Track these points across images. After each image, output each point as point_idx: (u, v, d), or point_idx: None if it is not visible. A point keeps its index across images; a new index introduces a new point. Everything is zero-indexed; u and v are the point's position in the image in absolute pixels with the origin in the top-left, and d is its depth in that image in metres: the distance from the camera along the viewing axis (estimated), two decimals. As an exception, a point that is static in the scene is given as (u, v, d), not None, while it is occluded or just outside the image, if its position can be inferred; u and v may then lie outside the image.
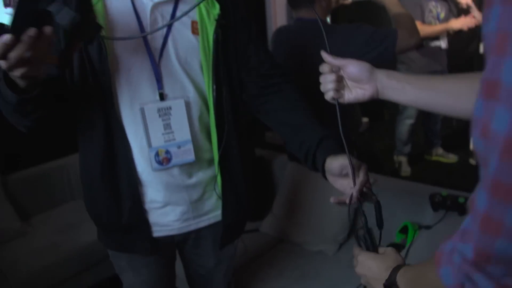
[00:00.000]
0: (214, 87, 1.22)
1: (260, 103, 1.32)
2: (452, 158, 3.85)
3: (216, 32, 1.20)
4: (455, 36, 3.36)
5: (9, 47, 0.83)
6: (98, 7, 1.13)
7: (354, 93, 0.97)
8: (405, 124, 3.62)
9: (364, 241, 0.96)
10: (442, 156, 3.87)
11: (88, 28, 0.97)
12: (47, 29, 0.84)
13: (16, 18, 0.82)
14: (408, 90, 0.90)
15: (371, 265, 0.89)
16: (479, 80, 0.49)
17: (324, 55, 0.96)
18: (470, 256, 0.51)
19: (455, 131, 4.20)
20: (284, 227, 2.28)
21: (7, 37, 0.82)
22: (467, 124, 0.55)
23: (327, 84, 0.97)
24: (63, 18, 0.88)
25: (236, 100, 1.31)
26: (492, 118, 0.46)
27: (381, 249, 0.93)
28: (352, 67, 0.95)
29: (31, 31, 0.83)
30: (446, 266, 0.57)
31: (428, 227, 1.82)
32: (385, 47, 1.74)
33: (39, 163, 2.96)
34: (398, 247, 2.00)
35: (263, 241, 2.29)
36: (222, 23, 1.21)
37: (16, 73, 0.89)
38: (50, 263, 2.41)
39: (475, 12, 3.12)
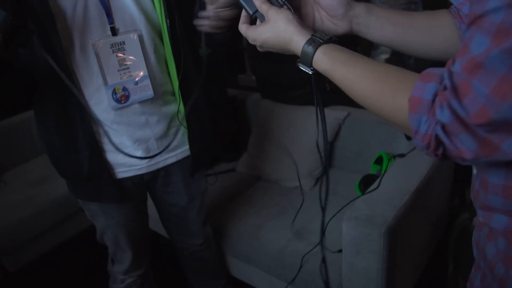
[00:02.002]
0: (166, 13, 1.17)
1: None
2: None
3: None
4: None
5: None
6: None
7: (326, 26, 0.86)
8: (380, 59, 3.57)
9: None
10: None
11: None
12: None
13: None
14: (386, 28, 0.81)
15: (269, 38, 0.78)
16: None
17: None
18: (468, 117, 0.49)
19: (428, 64, 4.18)
20: (261, 166, 2.28)
21: None
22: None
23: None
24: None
25: (189, 27, 1.26)
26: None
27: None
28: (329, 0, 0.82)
29: None
30: (422, 115, 0.55)
31: (402, 155, 1.83)
32: None
33: (3, 118, 2.87)
34: (373, 178, 2.03)
35: (240, 180, 2.29)
36: None
37: None
38: (26, 216, 2.39)
39: None
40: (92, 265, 2.15)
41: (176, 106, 1.32)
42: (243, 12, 0.84)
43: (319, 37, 0.73)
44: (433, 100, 0.54)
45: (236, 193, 2.18)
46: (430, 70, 0.57)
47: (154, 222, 1.76)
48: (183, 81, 1.26)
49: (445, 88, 0.52)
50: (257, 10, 0.80)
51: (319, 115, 0.84)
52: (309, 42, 0.73)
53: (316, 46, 0.72)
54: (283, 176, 2.17)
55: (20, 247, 2.39)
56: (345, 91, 0.71)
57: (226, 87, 2.53)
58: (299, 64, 0.76)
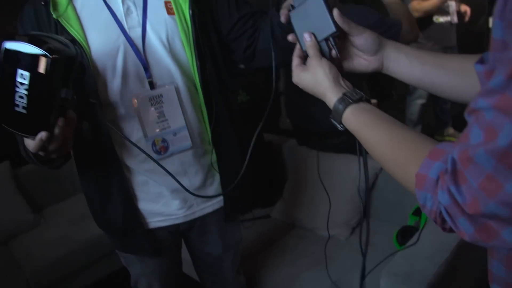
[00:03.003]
0: (198, 63, 1.21)
1: (251, 51, 1.28)
2: (463, 137, 3.79)
3: (191, 7, 1.19)
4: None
5: (46, 141, 0.89)
6: (68, 13, 1.12)
7: (356, 63, 0.88)
8: (416, 105, 3.57)
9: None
10: (453, 136, 3.82)
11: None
12: (71, 114, 0.92)
13: (45, 114, 0.88)
14: (415, 66, 0.83)
15: (309, 85, 0.83)
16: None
17: (336, 13, 0.81)
18: (464, 204, 0.50)
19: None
20: (296, 213, 2.27)
21: (42, 134, 0.88)
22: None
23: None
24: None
25: (221, 73, 1.29)
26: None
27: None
28: (363, 38, 0.84)
29: (61, 122, 0.90)
30: (427, 193, 0.56)
31: (442, 209, 1.79)
32: (390, 35, 1.74)
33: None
34: (411, 230, 1.98)
35: (275, 227, 2.28)
36: None
37: (52, 156, 0.96)
38: (63, 254, 2.44)
39: None
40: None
41: (214, 155, 1.34)
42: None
43: (350, 96, 0.76)
44: (438, 179, 0.54)
45: (271, 241, 2.16)
46: (441, 146, 0.57)
47: (186, 264, 1.76)
48: (216, 129, 1.28)
49: (446, 171, 0.53)
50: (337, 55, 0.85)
51: (361, 163, 0.90)
52: (340, 100, 0.77)
53: (346, 106, 0.75)
54: (319, 224, 2.15)
55: (55, 285, 2.43)
56: (369, 152, 0.74)
57: (262, 132, 2.56)
58: (332, 119, 0.79)
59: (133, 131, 1.22)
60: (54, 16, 1.10)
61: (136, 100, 1.19)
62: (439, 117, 3.83)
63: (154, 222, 1.33)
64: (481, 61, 0.56)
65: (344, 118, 0.76)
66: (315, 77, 0.81)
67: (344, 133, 0.92)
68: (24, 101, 0.85)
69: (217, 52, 1.27)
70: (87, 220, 2.57)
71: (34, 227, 2.71)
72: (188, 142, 1.26)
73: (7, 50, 0.84)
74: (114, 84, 1.17)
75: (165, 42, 1.19)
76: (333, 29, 0.81)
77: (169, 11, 1.20)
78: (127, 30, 1.17)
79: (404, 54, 0.84)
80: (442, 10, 3.25)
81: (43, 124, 0.89)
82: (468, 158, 0.48)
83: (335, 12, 0.81)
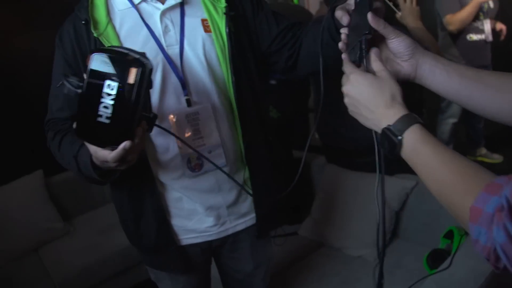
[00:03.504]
0: (233, 79, 1.21)
1: (293, 61, 1.27)
2: (497, 158, 3.70)
3: (227, 25, 1.20)
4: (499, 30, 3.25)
5: (129, 151, 0.92)
6: (108, 31, 1.15)
7: (389, 67, 0.85)
8: (448, 124, 3.49)
9: (360, 51, 0.83)
10: (486, 156, 3.73)
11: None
12: (144, 124, 0.94)
13: (129, 123, 0.91)
14: (453, 78, 0.79)
15: (364, 91, 0.78)
16: None
17: (370, 15, 0.81)
18: None
19: (499, 129, 4.02)
20: (323, 231, 2.24)
21: (126, 143, 0.91)
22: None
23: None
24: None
25: (256, 90, 1.29)
26: None
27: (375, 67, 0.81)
28: (397, 41, 0.82)
29: (140, 131, 0.93)
30: (482, 227, 0.53)
31: (475, 233, 1.74)
32: None
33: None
34: (442, 254, 1.93)
35: (302, 245, 2.26)
36: (231, 15, 1.21)
37: (123, 167, 0.98)
38: (91, 263, 2.47)
39: None
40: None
41: (247, 172, 1.34)
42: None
43: (415, 117, 0.74)
44: (494, 215, 0.52)
45: (298, 258, 2.14)
46: (499, 180, 0.55)
47: (214, 281, 1.76)
48: (250, 147, 1.29)
49: (503, 207, 0.50)
50: (363, 56, 0.83)
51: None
52: (409, 115, 0.73)
53: (414, 122, 0.72)
54: (347, 244, 2.12)
55: (82, 295, 2.46)
56: (420, 176, 0.70)
57: (292, 149, 2.55)
58: (385, 130, 0.75)
59: (169, 148, 1.23)
60: (95, 34, 1.13)
61: (173, 117, 1.20)
62: (472, 137, 3.75)
63: (187, 239, 1.33)
64: None
65: (410, 131, 0.72)
66: (385, 83, 0.77)
67: (374, 151, 0.90)
68: (109, 111, 0.88)
69: (252, 69, 1.28)
70: (115, 230, 2.62)
71: (63, 236, 2.76)
72: (223, 160, 1.26)
73: (94, 61, 0.87)
74: (152, 101, 1.18)
75: (202, 60, 1.21)
76: (366, 29, 0.81)
77: (206, 29, 1.22)
78: (165, 48, 1.19)
79: (441, 64, 0.81)
80: (476, 28, 3.19)
81: (126, 133, 0.91)
82: None
83: (369, 14, 0.81)
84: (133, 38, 1.17)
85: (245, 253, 1.45)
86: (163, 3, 1.19)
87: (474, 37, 3.20)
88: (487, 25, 3.21)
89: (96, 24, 1.15)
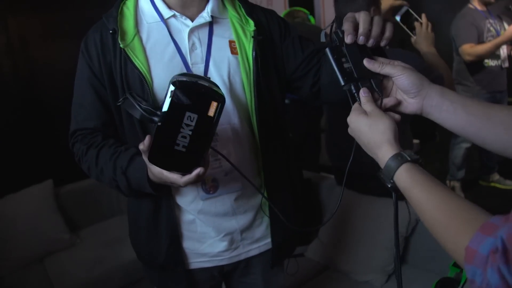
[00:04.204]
0: (256, 103, 1.19)
1: (317, 88, 1.25)
2: (510, 184, 3.64)
3: (254, 49, 1.18)
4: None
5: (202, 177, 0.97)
6: (134, 43, 1.14)
7: (399, 97, 0.87)
8: (461, 148, 3.46)
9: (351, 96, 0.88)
10: (499, 182, 3.67)
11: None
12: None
13: (202, 152, 0.97)
14: (460, 114, 0.79)
15: (361, 129, 0.82)
16: None
17: (365, 61, 0.86)
18: None
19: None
20: (331, 254, 2.21)
21: (201, 170, 0.96)
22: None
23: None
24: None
25: (278, 116, 1.28)
26: None
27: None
28: (401, 79, 0.83)
29: (208, 157, 0.99)
30: (476, 268, 0.53)
31: (486, 264, 1.70)
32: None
33: (86, 177, 3.02)
34: (451, 282, 1.88)
35: (309, 267, 2.22)
36: (258, 39, 1.20)
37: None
38: (95, 276, 2.46)
39: None
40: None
41: (261, 197, 1.29)
42: None
43: (408, 155, 0.75)
44: (488, 256, 0.52)
45: (303, 280, 2.11)
46: (494, 220, 0.55)
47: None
48: (270, 172, 1.26)
49: (497, 249, 0.50)
50: (350, 87, 0.87)
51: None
52: (397, 156, 0.75)
53: (402, 162, 0.74)
54: (354, 268, 2.08)
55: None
56: (417, 213, 0.71)
57: (302, 169, 2.53)
58: (379, 174, 0.78)
59: None
60: (121, 45, 1.12)
61: None
62: (485, 162, 3.70)
63: (197, 262, 1.29)
64: None
65: (397, 174, 0.74)
66: (376, 125, 0.80)
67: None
68: (186, 140, 0.92)
69: (276, 94, 1.26)
70: (121, 243, 2.63)
71: (69, 247, 2.75)
72: (239, 184, 1.22)
73: (176, 92, 0.90)
74: None
75: (226, 81, 1.18)
76: (368, 76, 0.86)
77: (233, 51, 1.20)
78: (190, 66, 1.17)
79: (449, 100, 0.81)
80: (492, 54, 3.17)
81: (200, 161, 0.96)
82: None
83: (365, 60, 0.86)
84: (159, 53, 1.16)
85: (257, 279, 1.40)
86: (192, 21, 1.18)
87: (490, 62, 3.18)
88: (503, 51, 3.19)
89: (123, 35, 1.14)
